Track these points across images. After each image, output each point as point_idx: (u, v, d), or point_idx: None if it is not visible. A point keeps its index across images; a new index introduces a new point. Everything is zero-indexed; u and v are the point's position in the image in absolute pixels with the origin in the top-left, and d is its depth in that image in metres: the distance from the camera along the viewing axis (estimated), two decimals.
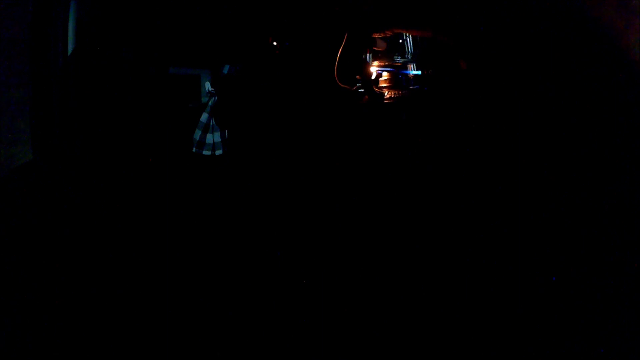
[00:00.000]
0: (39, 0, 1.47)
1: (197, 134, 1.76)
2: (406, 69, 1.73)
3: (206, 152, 1.76)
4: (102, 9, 1.61)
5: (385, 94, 1.72)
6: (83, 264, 1.42)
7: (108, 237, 1.47)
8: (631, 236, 1.21)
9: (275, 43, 1.71)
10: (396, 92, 1.72)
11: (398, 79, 1.73)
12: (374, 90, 1.72)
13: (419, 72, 1.72)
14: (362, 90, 1.72)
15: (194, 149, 1.76)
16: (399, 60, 1.73)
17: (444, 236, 1.47)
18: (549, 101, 1.34)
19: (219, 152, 1.77)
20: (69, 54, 1.54)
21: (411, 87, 1.73)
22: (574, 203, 1.29)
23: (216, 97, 1.77)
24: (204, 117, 1.76)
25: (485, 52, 1.49)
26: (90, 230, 1.47)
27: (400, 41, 1.73)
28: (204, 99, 1.81)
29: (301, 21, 1.67)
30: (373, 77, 1.72)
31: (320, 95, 1.71)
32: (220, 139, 1.77)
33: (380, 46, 1.73)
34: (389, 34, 1.68)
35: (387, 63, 1.73)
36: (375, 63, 1.73)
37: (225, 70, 1.75)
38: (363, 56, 1.74)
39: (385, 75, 1.72)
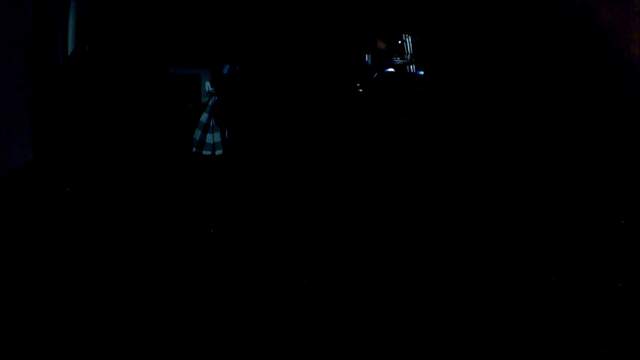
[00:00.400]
0: (39, 0, 1.47)
1: (197, 134, 1.76)
2: (406, 69, 1.73)
3: (206, 152, 1.76)
4: (102, 9, 1.61)
5: (384, 95, 1.72)
6: (83, 264, 1.41)
7: (108, 237, 1.47)
8: (631, 236, 1.21)
9: (275, 43, 1.71)
10: (395, 93, 1.72)
11: (397, 79, 1.73)
12: (373, 91, 1.72)
13: (421, 73, 1.72)
14: (361, 90, 1.73)
15: (194, 149, 1.76)
16: (398, 61, 1.73)
17: (444, 236, 1.47)
18: (549, 101, 1.34)
19: (219, 152, 1.77)
20: (69, 54, 1.54)
21: (410, 88, 1.73)
22: (574, 203, 1.29)
23: (216, 97, 1.77)
24: (204, 117, 1.76)
25: (485, 53, 1.49)
26: (90, 230, 1.46)
27: (400, 42, 1.73)
28: (204, 99, 1.81)
29: (301, 22, 1.67)
30: (372, 77, 1.72)
31: (319, 95, 1.71)
32: (220, 139, 1.77)
33: (380, 47, 1.73)
34: (388, 34, 1.68)
35: (386, 64, 1.73)
36: (375, 64, 1.73)
37: (225, 70, 1.75)
38: (362, 57, 1.74)
39: (384, 75, 1.72)
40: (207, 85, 1.78)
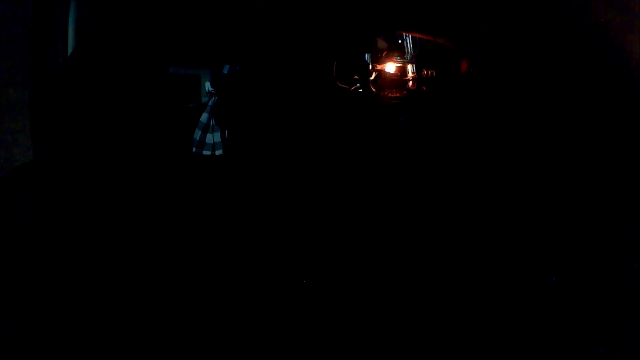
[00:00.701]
0: (39, 0, 1.46)
1: (197, 134, 1.76)
2: (406, 69, 1.73)
3: (206, 152, 1.76)
4: (102, 9, 1.61)
5: (384, 95, 1.72)
6: (83, 264, 1.41)
7: (108, 237, 1.47)
8: (631, 236, 1.21)
9: (275, 43, 1.71)
10: (395, 93, 1.72)
11: (397, 79, 1.73)
12: (372, 90, 1.72)
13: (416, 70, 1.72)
14: (360, 90, 1.73)
15: (194, 149, 1.76)
16: (399, 60, 1.73)
17: (444, 236, 1.47)
18: (549, 101, 1.34)
19: (219, 152, 1.77)
20: (69, 54, 1.53)
21: (410, 88, 1.73)
22: (574, 203, 1.29)
23: (216, 97, 1.77)
24: (204, 117, 1.76)
25: (485, 53, 1.49)
26: (90, 230, 1.46)
27: (400, 41, 1.73)
28: (204, 99, 1.81)
29: (301, 21, 1.67)
30: (372, 77, 1.72)
31: (319, 95, 1.71)
32: (220, 139, 1.77)
33: (380, 46, 1.73)
34: (389, 34, 1.68)
35: (386, 63, 1.73)
36: (375, 63, 1.73)
37: (225, 70, 1.75)
38: (362, 56, 1.74)
39: (384, 75, 1.72)
40: (207, 85, 1.78)
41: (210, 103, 1.77)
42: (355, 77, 1.70)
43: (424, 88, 1.70)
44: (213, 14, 1.70)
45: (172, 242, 1.52)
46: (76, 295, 1.38)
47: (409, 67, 1.72)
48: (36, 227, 1.42)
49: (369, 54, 1.74)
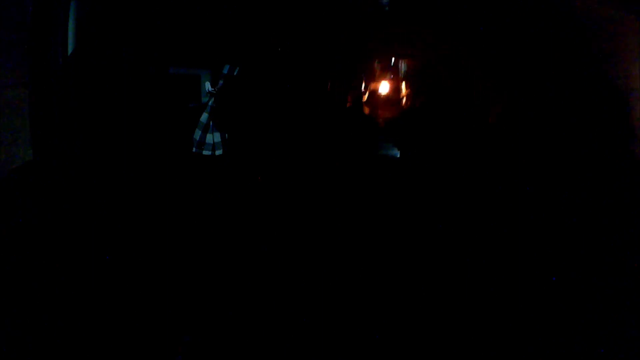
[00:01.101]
0: (39, 0, 1.46)
1: (197, 134, 1.76)
2: (399, 87, 1.71)
3: (206, 152, 1.76)
4: (102, 9, 1.61)
5: (378, 114, 1.71)
6: (83, 264, 1.42)
7: (108, 237, 1.47)
8: (631, 236, 1.21)
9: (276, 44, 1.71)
10: (389, 113, 1.71)
11: (390, 98, 1.71)
12: (364, 113, 1.70)
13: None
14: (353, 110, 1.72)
15: (194, 149, 1.76)
16: (392, 79, 1.71)
17: (444, 236, 1.47)
18: (549, 101, 1.34)
19: (219, 152, 1.77)
20: (69, 54, 1.53)
21: (404, 107, 1.71)
22: (574, 203, 1.29)
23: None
24: (204, 117, 1.76)
25: (485, 53, 1.49)
26: (91, 230, 1.46)
27: (393, 60, 1.72)
28: (204, 99, 1.81)
29: (301, 22, 1.67)
30: (364, 98, 1.71)
31: (318, 95, 1.71)
32: (220, 139, 1.77)
33: (374, 65, 1.73)
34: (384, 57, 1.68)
35: (380, 82, 1.72)
36: (368, 82, 1.72)
37: (225, 70, 1.75)
38: (356, 75, 1.73)
39: (377, 94, 1.71)
40: (207, 85, 1.78)
41: (210, 103, 1.77)
42: (349, 97, 1.70)
43: (417, 105, 1.69)
44: (213, 14, 1.70)
45: (172, 242, 1.52)
46: (76, 295, 1.38)
47: (403, 85, 1.71)
48: (36, 227, 1.42)
49: (363, 73, 1.72)
